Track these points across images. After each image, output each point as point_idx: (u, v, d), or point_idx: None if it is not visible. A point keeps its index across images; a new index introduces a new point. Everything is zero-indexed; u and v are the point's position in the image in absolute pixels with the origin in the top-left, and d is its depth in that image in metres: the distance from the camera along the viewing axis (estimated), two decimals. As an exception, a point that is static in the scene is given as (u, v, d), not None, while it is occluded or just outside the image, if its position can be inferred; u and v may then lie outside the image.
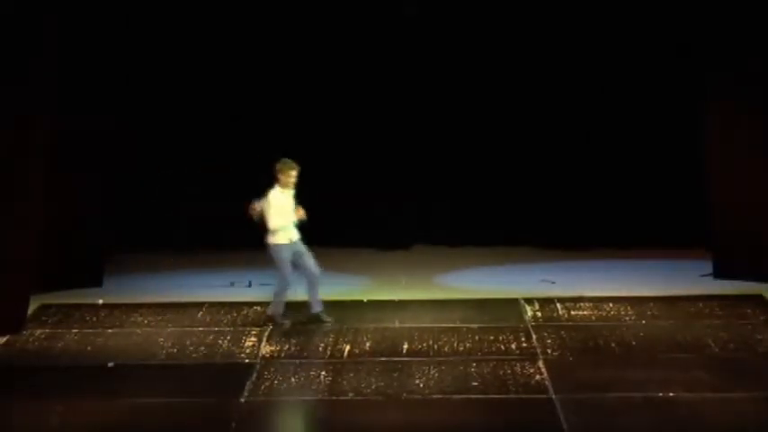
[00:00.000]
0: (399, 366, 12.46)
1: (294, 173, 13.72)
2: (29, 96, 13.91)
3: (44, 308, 14.79)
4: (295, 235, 13.83)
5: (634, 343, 13.20)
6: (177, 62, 17.68)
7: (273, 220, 13.62)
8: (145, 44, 17.27)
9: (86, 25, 15.32)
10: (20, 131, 13.84)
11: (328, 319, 14.05)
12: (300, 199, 18.12)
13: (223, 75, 17.81)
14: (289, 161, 13.75)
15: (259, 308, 14.72)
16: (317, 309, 14.09)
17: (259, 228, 13.75)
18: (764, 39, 15.12)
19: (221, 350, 13.17)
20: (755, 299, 14.87)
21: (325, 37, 17.75)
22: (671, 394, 11.45)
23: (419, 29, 17.70)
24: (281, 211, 13.67)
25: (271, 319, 13.95)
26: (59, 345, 13.46)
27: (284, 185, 13.73)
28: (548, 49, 17.65)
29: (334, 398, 11.62)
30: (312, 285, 14.06)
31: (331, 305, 14.96)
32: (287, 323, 13.90)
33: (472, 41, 17.78)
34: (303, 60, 17.80)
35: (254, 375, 12.23)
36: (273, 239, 13.72)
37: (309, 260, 13.93)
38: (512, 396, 11.65)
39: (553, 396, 11.54)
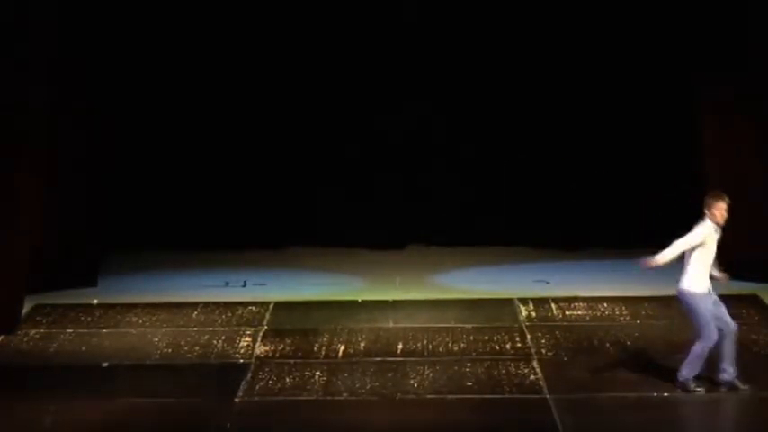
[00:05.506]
0: (394, 366, 12.46)
1: (724, 205, 11.41)
2: (25, 96, 13.90)
3: (39, 308, 14.75)
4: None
5: (629, 343, 13.21)
6: (184, 62, 17.63)
7: (694, 264, 11.39)
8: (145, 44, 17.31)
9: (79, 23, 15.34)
10: (15, 131, 13.82)
11: (744, 387, 11.55)
12: (298, 198, 18.23)
13: (227, 75, 17.75)
14: (718, 191, 11.57)
15: (254, 308, 14.72)
16: (727, 375, 11.55)
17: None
18: (763, 39, 15.14)
19: (216, 350, 13.16)
20: (751, 299, 14.87)
21: (324, 36, 17.76)
22: (665, 394, 11.46)
23: (418, 31, 17.72)
24: (705, 252, 11.40)
25: (683, 386, 11.52)
26: (54, 345, 13.45)
27: (714, 221, 11.40)
28: (547, 50, 17.62)
29: (328, 398, 11.62)
30: (729, 342, 11.53)
31: (326, 305, 14.99)
32: (701, 390, 11.51)
33: (470, 43, 17.76)
34: (300, 58, 17.78)
35: (249, 375, 12.22)
36: (688, 286, 11.48)
37: (724, 312, 11.56)
38: (506, 396, 11.67)
39: (547, 396, 11.55)
